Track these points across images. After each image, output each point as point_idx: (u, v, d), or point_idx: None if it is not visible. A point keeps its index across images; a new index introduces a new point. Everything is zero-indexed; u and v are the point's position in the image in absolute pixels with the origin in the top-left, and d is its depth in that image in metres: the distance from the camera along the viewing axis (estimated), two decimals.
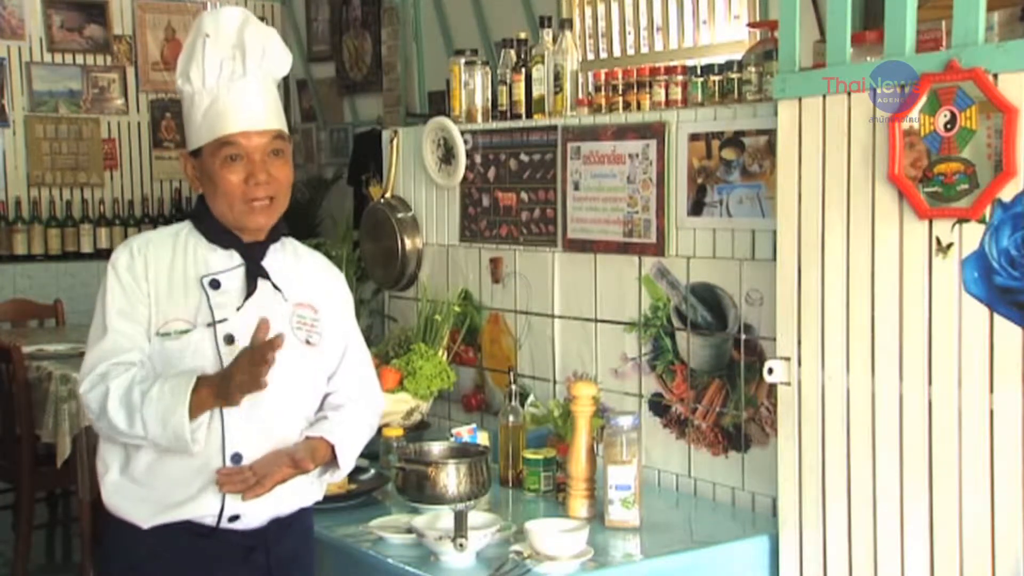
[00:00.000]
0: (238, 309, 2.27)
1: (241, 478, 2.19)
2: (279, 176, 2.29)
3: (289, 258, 2.39)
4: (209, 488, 2.23)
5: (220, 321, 2.25)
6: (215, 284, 2.27)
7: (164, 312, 2.25)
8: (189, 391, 2.14)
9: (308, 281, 2.39)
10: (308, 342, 2.33)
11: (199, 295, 2.26)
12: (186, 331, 2.24)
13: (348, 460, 2.37)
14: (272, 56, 2.32)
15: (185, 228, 2.35)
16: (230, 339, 2.24)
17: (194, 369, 2.20)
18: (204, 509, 2.24)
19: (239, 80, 2.27)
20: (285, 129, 2.35)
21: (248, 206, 2.27)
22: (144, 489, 2.25)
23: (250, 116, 2.27)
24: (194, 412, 2.15)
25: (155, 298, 2.26)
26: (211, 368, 2.22)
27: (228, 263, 2.30)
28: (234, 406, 2.18)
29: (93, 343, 2.27)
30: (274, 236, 2.36)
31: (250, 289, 2.29)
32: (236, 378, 2.13)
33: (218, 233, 2.31)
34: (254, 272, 2.30)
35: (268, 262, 2.33)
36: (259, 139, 2.27)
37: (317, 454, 2.29)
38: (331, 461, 2.34)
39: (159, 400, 2.15)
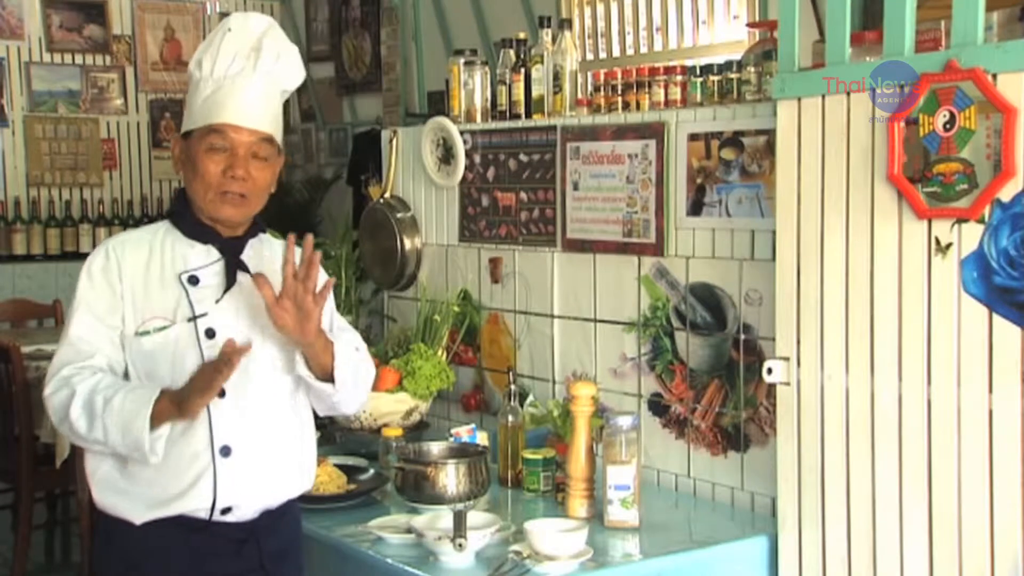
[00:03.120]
0: (217, 302, 2.28)
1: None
2: (257, 177, 2.31)
3: (266, 252, 2.40)
4: (200, 482, 2.24)
5: (200, 316, 2.26)
6: (194, 280, 2.29)
7: (141, 311, 2.26)
8: (152, 401, 2.15)
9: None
10: None
11: (178, 291, 2.28)
12: (164, 328, 2.25)
13: (345, 359, 2.30)
14: (285, 64, 2.36)
15: (163, 227, 2.37)
16: (211, 333, 2.26)
17: (167, 364, 2.22)
18: (196, 503, 2.25)
19: (246, 77, 2.30)
20: (278, 138, 2.36)
21: (220, 196, 2.29)
22: (135, 485, 2.26)
23: (245, 112, 2.29)
24: (155, 422, 2.15)
25: (131, 298, 2.27)
26: (193, 363, 2.23)
27: (206, 258, 2.32)
28: (192, 416, 2.18)
29: (60, 347, 2.29)
30: (252, 232, 2.39)
31: (229, 282, 2.30)
32: (194, 384, 2.14)
33: (196, 228, 2.33)
34: (233, 265, 2.32)
35: (247, 255, 2.35)
36: (248, 136, 2.29)
37: (317, 340, 2.25)
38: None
39: (121, 409, 2.16)
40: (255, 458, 2.27)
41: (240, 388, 2.26)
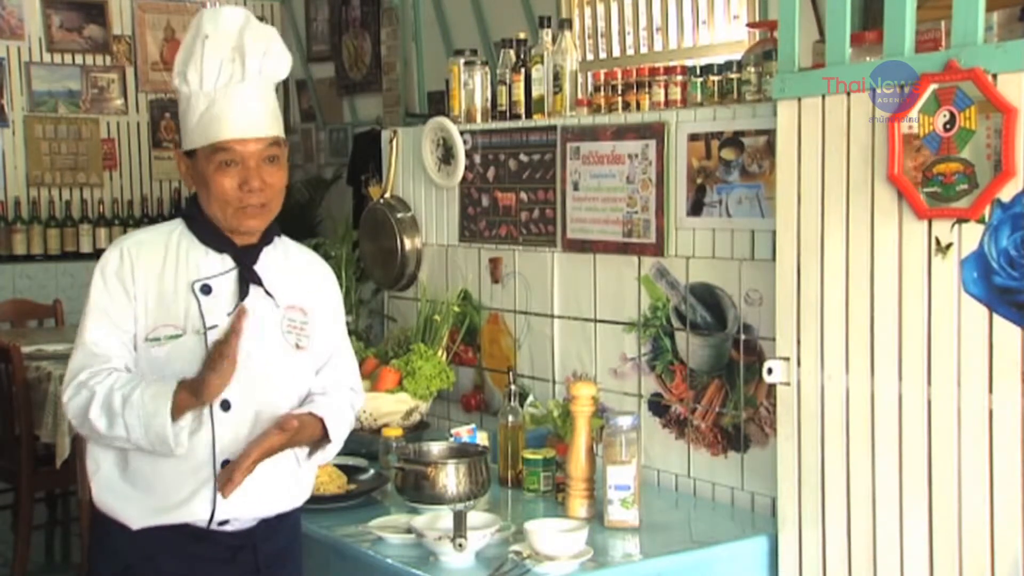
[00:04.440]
0: (228, 315, 2.25)
1: (231, 470, 2.17)
2: (273, 182, 2.28)
3: (280, 259, 2.38)
4: (200, 493, 2.23)
5: (210, 328, 2.23)
6: (206, 289, 2.26)
7: (153, 317, 2.24)
8: (171, 395, 2.13)
9: (298, 282, 2.38)
10: (298, 346, 2.33)
11: (190, 300, 2.25)
12: (176, 336, 2.23)
13: (338, 433, 2.35)
14: (272, 59, 2.30)
15: (178, 228, 2.33)
16: None
17: (176, 374, 2.18)
18: (195, 514, 2.24)
19: (237, 85, 2.24)
20: (282, 134, 2.33)
21: (241, 211, 2.26)
22: (135, 490, 2.25)
23: (247, 123, 2.24)
24: (175, 415, 2.13)
25: (144, 302, 2.24)
26: None
27: (220, 267, 2.29)
28: (211, 400, 2.15)
29: (74, 351, 2.28)
30: (267, 238, 2.35)
31: (242, 295, 2.27)
32: (207, 376, 2.10)
33: (211, 235, 2.30)
34: (246, 277, 2.29)
35: (260, 266, 2.32)
36: (255, 146, 2.25)
37: (305, 430, 2.28)
38: (320, 441, 2.33)
39: (141, 405, 2.14)
40: (256, 473, 2.21)
41: (244, 402, 2.25)
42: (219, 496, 2.23)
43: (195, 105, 2.26)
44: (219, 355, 2.10)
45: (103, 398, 2.17)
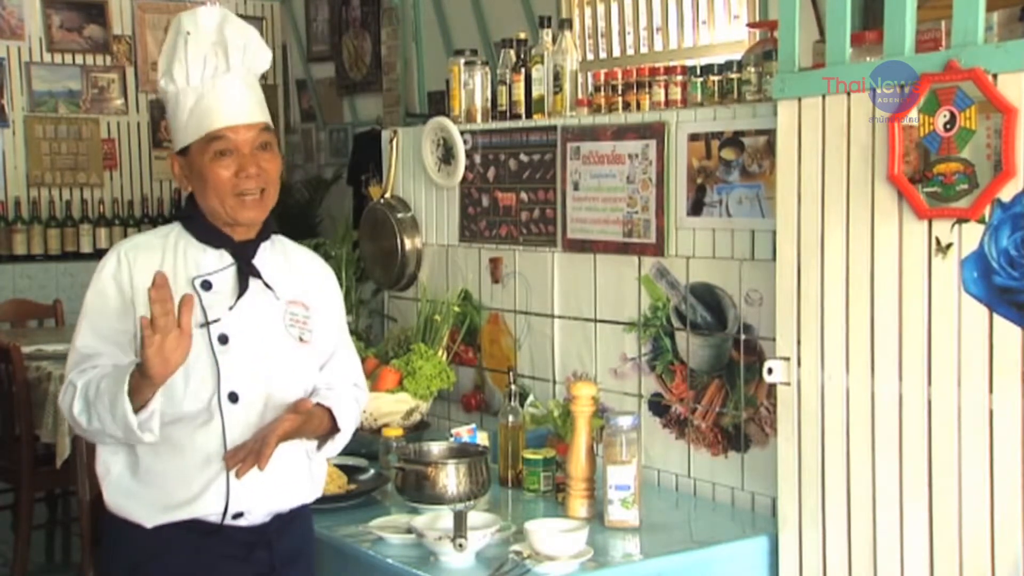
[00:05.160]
0: (230, 309, 2.26)
1: (245, 452, 2.17)
2: (269, 168, 2.30)
3: (280, 256, 2.39)
4: (212, 486, 2.24)
5: (213, 321, 2.24)
6: (207, 285, 2.27)
7: None
8: (127, 378, 2.10)
9: (299, 278, 2.40)
10: (301, 339, 2.34)
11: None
12: None
13: (346, 423, 2.36)
14: (253, 51, 2.33)
15: (175, 229, 2.34)
16: (224, 339, 2.24)
17: (136, 360, 2.15)
18: (208, 508, 2.25)
19: (223, 76, 2.28)
20: (271, 122, 2.36)
21: (239, 200, 2.27)
22: (147, 488, 2.25)
23: (237, 110, 2.28)
24: (134, 398, 2.09)
25: (143, 303, 2.21)
26: (208, 369, 2.22)
27: (219, 263, 2.30)
28: (160, 382, 2.08)
29: (68, 355, 2.29)
30: (264, 234, 2.36)
31: (242, 288, 2.29)
32: (144, 353, 2.05)
33: (208, 232, 2.31)
34: (245, 271, 2.30)
35: (259, 260, 2.33)
36: (247, 133, 2.27)
37: (314, 419, 2.29)
38: (327, 434, 2.35)
39: (106, 392, 2.13)
40: (268, 465, 2.19)
41: (252, 393, 2.26)
42: (232, 487, 2.23)
43: (183, 102, 2.29)
44: (150, 329, 2.03)
45: (82, 392, 2.19)
